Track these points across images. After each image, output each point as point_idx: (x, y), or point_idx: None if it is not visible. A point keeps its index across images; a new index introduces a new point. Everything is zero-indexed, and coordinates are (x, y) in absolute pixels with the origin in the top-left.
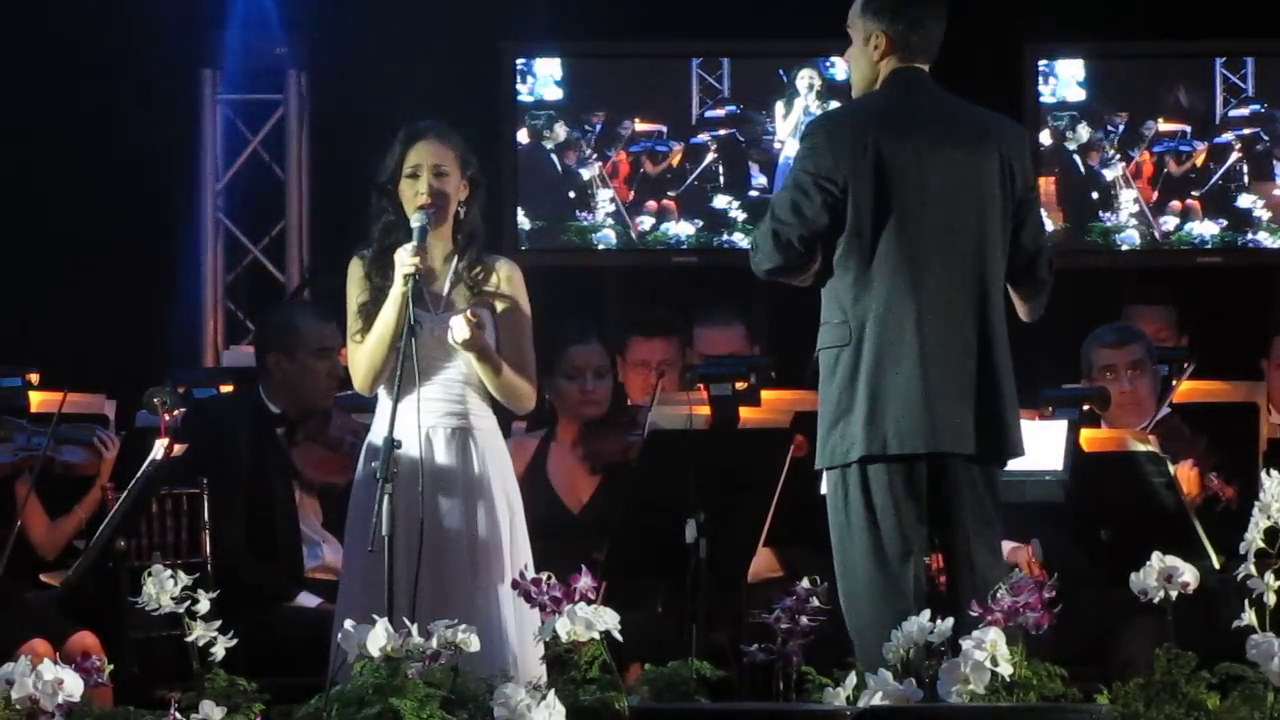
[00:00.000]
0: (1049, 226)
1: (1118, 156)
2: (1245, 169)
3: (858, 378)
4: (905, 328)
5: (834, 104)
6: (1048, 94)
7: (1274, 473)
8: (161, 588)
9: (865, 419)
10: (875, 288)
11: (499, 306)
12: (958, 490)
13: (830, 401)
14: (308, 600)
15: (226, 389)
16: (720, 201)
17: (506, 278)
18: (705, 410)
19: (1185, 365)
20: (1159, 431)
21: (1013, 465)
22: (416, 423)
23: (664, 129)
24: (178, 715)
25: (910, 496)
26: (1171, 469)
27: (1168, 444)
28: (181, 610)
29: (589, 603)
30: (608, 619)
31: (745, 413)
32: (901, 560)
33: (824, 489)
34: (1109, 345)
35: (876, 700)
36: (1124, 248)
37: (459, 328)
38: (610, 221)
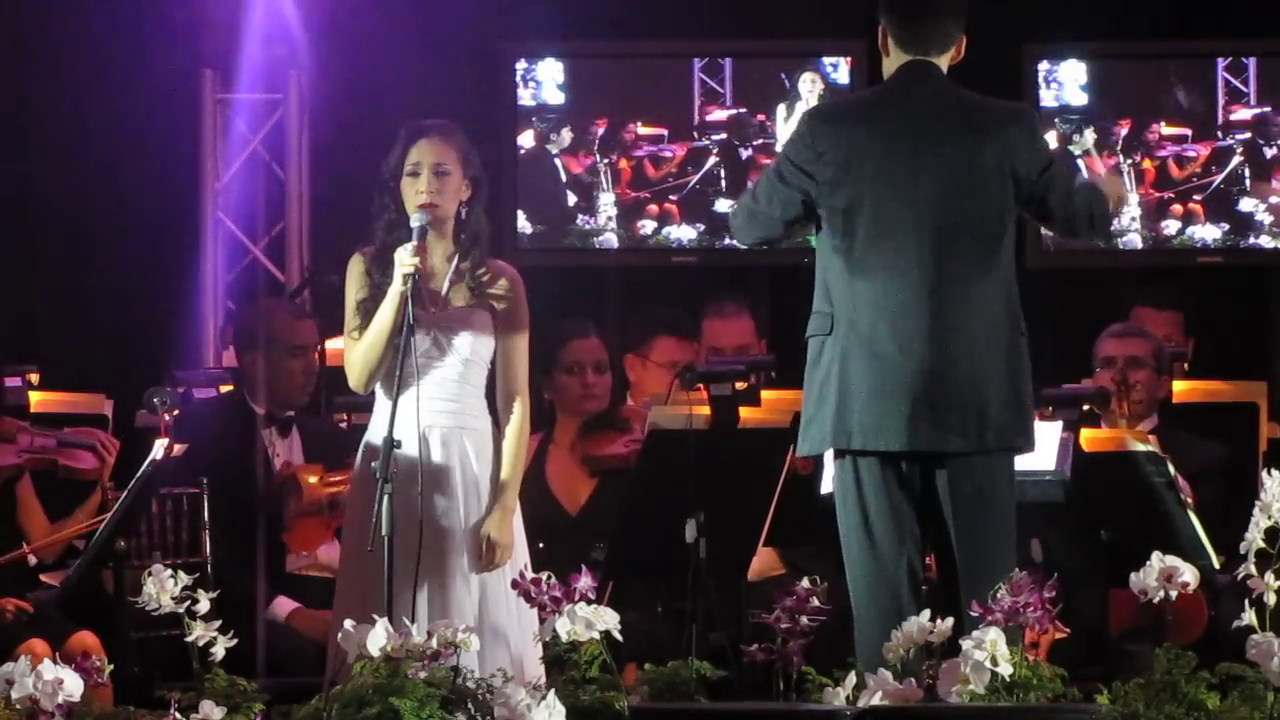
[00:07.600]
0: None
1: (1121, 160)
2: (1247, 172)
3: (833, 369)
4: (880, 325)
5: None
6: (1049, 99)
7: (1274, 472)
8: (161, 588)
9: (835, 412)
10: (857, 281)
11: (501, 311)
12: (949, 485)
13: (811, 389)
14: (282, 607)
15: (226, 389)
16: (722, 205)
17: (510, 287)
18: (705, 410)
19: (1183, 366)
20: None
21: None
22: (415, 422)
23: (665, 132)
24: (178, 715)
25: (900, 488)
26: (1171, 469)
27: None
28: (181, 610)
29: (589, 603)
30: (608, 619)
31: (745, 413)
32: (893, 553)
33: (824, 489)
34: (1113, 335)
35: (876, 700)
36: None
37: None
38: (612, 225)
